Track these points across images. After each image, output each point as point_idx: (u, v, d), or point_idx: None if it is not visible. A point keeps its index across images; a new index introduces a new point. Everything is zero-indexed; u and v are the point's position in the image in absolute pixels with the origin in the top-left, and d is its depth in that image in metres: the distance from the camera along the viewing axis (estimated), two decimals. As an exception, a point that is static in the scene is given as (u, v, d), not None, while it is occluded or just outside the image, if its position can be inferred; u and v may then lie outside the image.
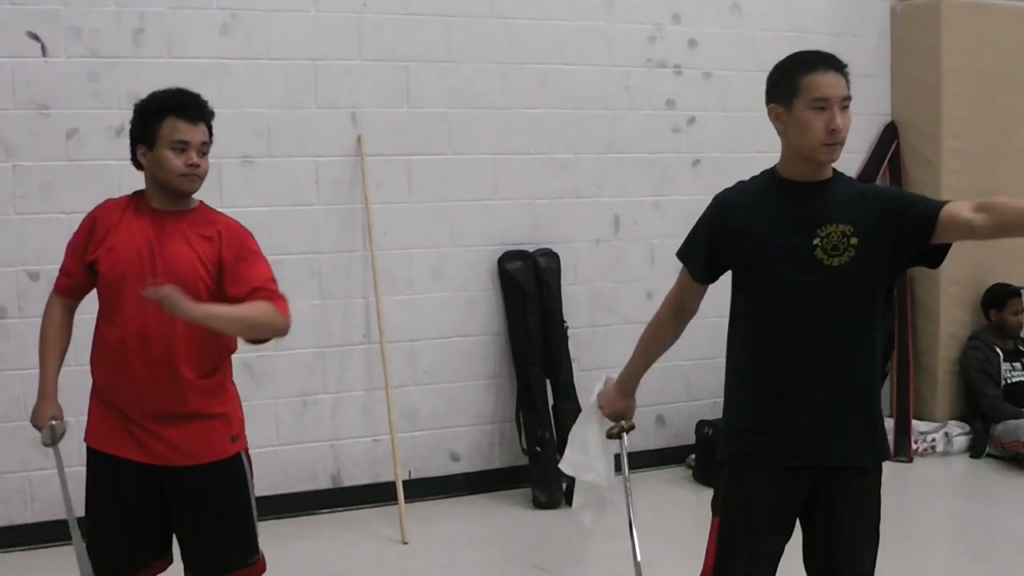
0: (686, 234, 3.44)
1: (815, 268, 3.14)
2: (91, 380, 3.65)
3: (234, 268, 3.52)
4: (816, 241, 3.14)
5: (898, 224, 3.12)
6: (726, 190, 3.38)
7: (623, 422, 3.66)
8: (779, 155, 3.29)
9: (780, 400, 3.21)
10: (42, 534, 5.62)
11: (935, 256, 3.17)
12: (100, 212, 3.62)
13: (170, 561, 3.70)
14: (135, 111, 3.58)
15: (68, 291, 3.70)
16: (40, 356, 3.71)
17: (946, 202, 3.12)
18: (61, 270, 3.70)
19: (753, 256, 3.23)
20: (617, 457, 3.73)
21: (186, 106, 3.52)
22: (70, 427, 3.76)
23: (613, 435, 3.68)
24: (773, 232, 3.19)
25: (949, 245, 3.15)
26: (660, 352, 3.58)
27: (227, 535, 3.62)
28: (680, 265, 3.48)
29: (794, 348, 3.19)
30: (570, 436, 3.84)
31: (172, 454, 3.51)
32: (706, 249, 3.34)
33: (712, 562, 3.29)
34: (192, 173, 3.49)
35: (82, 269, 3.60)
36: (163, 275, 3.42)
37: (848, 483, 3.23)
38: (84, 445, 3.65)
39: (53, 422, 3.68)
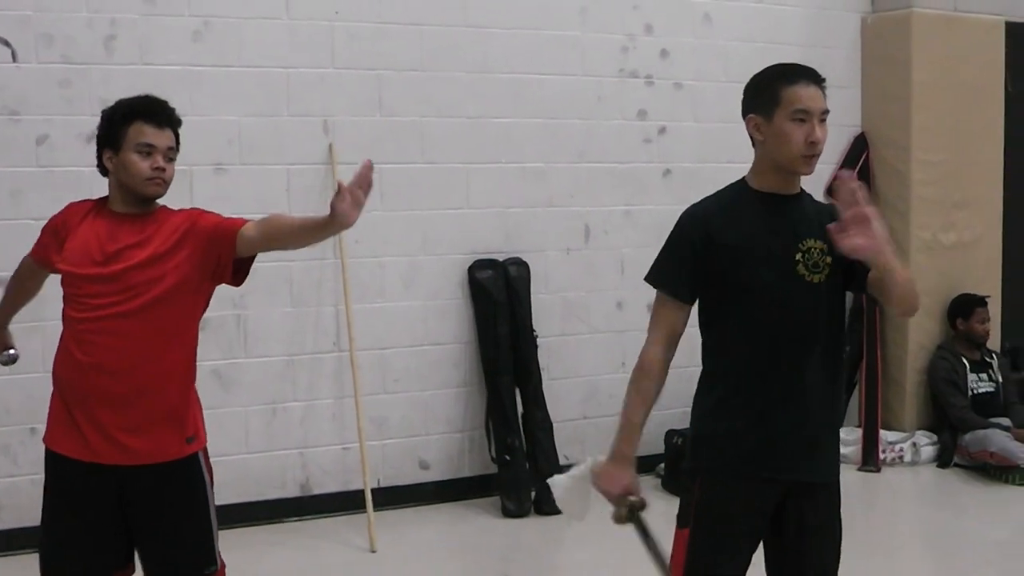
0: (657, 244, 3.34)
1: (797, 283, 3.16)
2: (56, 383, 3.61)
3: (217, 233, 3.48)
4: (798, 256, 3.17)
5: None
6: (694, 205, 3.32)
7: (631, 499, 3.23)
8: (749, 166, 3.30)
9: (756, 409, 3.21)
10: (9, 541, 5.57)
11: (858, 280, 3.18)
12: (65, 215, 3.63)
13: (131, 572, 3.63)
14: (103, 117, 3.59)
15: (38, 258, 3.71)
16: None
17: None
18: (37, 241, 3.70)
19: (735, 263, 3.19)
20: (644, 541, 3.26)
21: (153, 111, 3.54)
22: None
23: (623, 519, 3.21)
24: (755, 239, 3.19)
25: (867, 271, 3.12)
26: (655, 399, 3.40)
27: (183, 541, 3.55)
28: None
29: (771, 359, 3.19)
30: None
31: (123, 454, 3.45)
32: (690, 265, 3.23)
33: (683, 574, 3.25)
34: (158, 177, 3.49)
35: (50, 256, 3.61)
36: (114, 278, 3.43)
37: (815, 496, 3.25)
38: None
39: (11, 351, 4.07)
